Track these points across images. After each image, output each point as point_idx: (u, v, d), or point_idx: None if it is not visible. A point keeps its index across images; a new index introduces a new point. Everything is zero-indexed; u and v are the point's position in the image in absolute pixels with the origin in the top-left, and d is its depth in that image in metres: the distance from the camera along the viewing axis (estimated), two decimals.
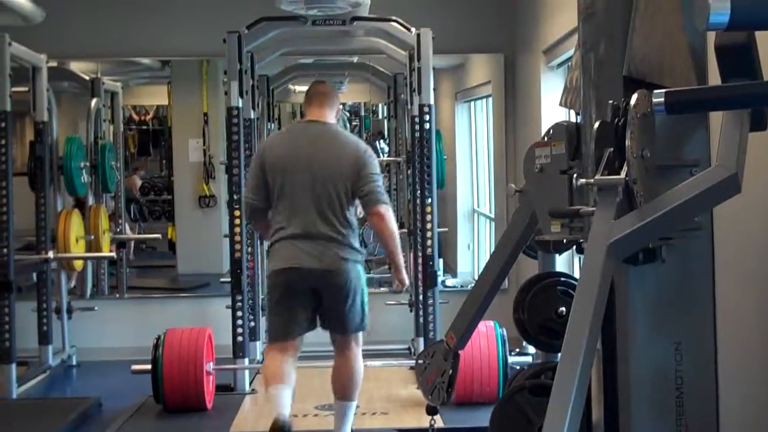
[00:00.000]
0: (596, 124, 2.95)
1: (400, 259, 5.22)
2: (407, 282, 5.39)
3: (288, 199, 5.12)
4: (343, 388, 5.23)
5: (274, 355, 5.10)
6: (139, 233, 10.76)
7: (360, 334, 5.24)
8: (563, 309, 4.68)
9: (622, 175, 2.83)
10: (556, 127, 3.49)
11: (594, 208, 2.91)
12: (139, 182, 12.23)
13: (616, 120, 2.91)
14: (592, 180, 2.85)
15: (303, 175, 5.08)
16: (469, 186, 10.71)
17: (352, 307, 5.11)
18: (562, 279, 4.95)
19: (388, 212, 5.08)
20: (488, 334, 6.08)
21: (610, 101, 2.95)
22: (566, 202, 3.25)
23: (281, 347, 5.11)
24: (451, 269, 10.47)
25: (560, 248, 4.19)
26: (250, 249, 7.23)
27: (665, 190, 2.80)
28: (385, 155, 10.42)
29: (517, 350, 6.50)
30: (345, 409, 5.24)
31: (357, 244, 5.21)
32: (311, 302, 5.11)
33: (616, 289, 3.01)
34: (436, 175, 7.26)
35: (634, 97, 2.83)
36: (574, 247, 3.68)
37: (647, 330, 3.04)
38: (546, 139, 3.49)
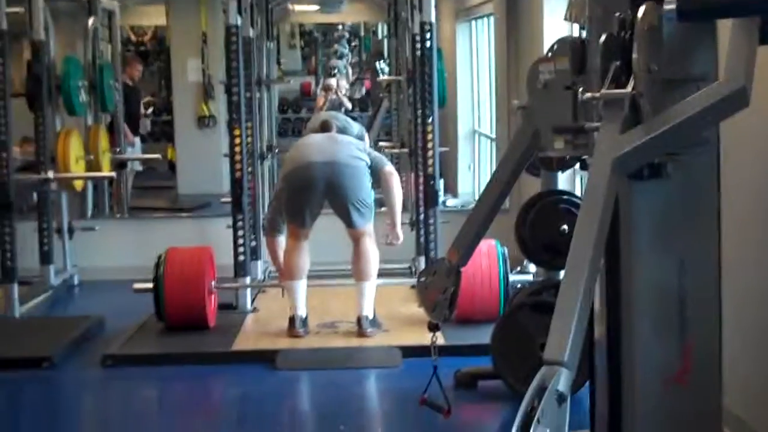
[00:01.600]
0: (603, 38, 2.89)
1: (399, 217, 6.14)
2: (401, 237, 6.21)
3: None
4: (358, 272, 6.03)
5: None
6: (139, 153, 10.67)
7: (369, 225, 6.01)
8: (566, 227, 4.67)
9: (629, 88, 2.78)
10: (561, 42, 3.43)
11: (599, 124, 2.87)
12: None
13: (623, 33, 2.85)
14: (597, 94, 2.80)
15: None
16: (470, 106, 10.65)
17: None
18: (565, 197, 4.94)
19: (395, 175, 6.11)
20: (489, 252, 6.06)
21: (617, 14, 2.89)
22: (570, 118, 3.21)
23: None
24: (451, 189, 10.45)
25: (564, 165, 4.16)
26: (250, 169, 7.18)
27: (672, 104, 2.76)
28: (385, 75, 10.31)
29: (519, 269, 6.50)
30: (362, 288, 6.03)
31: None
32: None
33: (620, 206, 2.98)
34: (437, 93, 7.18)
35: (642, 9, 2.76)
36: (578, 164, 3.65)
37: (651, 247, 3.02)
38: (550, 54, 3.44)
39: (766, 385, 3.95)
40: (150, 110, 12.32)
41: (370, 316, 6.05)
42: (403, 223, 7.84)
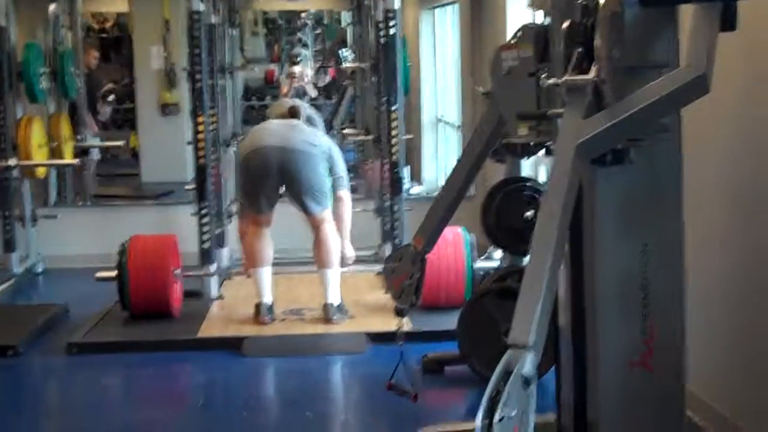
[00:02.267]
0: (565, 24, 2.90)
1: (348, 236, 6.16)
2: (352, 254, 6.22)
3: None
4: (320, 260, 6.03)
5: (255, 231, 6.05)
6: (102, 141, 10.59)
7: (327, 211, 6.00)
8: (530, 213, 4.70)
9: (591, 75, 2.80)
10: (524, 29, 3.44)
11: (562, 110, 2.88)
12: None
13: (586, 20, 2.86)
14: (560, 80, 2.81)
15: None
16: (434, 95, 10.64)
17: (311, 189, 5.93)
18: (529, 183, 4.97)
19: (348, 201, 6.15)
20: (455, 239, 6.08)
21: (579, 0, 2.90)
22: (534, 105, 3.22)
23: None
24: (416, 177, 10.45)
25: (528, 152, 4.17)
26: (214, 156, 7.15)
27: (634, 90, 2.77)
28: (350, 62, 10.29)
29: (485, 256, 6.52)
30: (325, 275, 6.03)
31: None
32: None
33: (584, 192, 3.00)
34: (401, 81, 7.18)
35: None
36: (542, 150, 3.67)
37: (614, 232, 3.03)
38: (513, 41, 3.44)
39: (730, 369, 4.00)
40: (112, 98, 12.21)
41: (336, 303, 6.05)
42: (366, 210, 7.92)
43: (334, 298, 6.05)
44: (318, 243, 6.04)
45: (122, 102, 13.24)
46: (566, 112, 2.86)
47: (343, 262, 6.18)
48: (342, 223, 6.11)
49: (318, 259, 6.06)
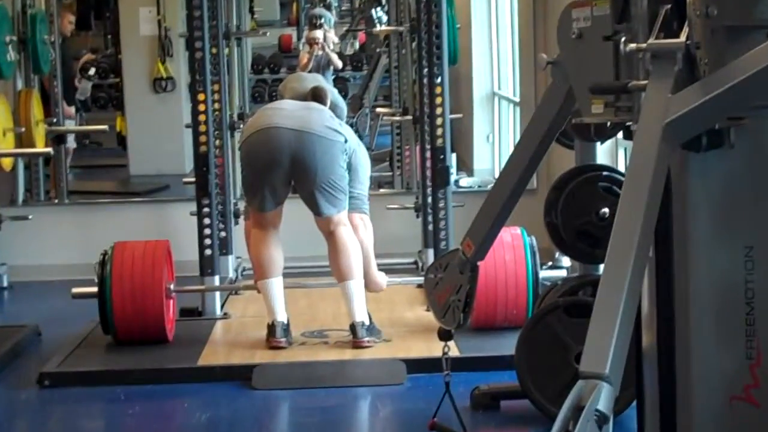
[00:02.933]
0: None
1: (373, 261, 6.19)
2: (383, 282, 6.26)
3: None
4: (338, 271, 6.00)
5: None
6: (81, 125, 10.66)
7: (342, 213, 6.00)
8: (606, 210, 4.68)
9: (682, 38, 2.78)
10: None
11: (646, 82, 2.87)
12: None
13: None
14: (644, 45, 2.81)
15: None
16: (488, 63, 10.63)
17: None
18: (605, 173, 4.95)
19: (368, 226, 6.16)
20: (514, 243, 6.06)
21: None
22: (611, 75, 3.20)
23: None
24: (466, 166, 10.44)
25: (603, 134, 4.17)
26: (218, 142, 7.17)
27: (735, 56, 2.76)
28: (384, 25, 10.30)
29: (550, 263, 6.51)
30: (346, 289, 6.00)
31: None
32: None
33: (673, 183, 2.98)
34: (448, 48, 7.16)
35: None
36: (621, 132, 3.64)
37: (711, 232, 3.01)
38: None
39: None
40: (92, 72, 12.30)
41: (366, 322, 6.04)
42: (404, 208, 7.91)
43: (361, 316, 6.03)
44: (334, 252, 6.00)
45: (105, 77, 13.34)
46: (650, 85, 2.84)
47: (371, 289, 6.19)
48: (364, 251, 6.07)
49: (336, 269, 6.03)
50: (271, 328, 6.04)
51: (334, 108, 6.20)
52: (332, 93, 6.37)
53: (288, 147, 5.86)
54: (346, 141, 5.95)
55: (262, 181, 5.93)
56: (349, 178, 5.97)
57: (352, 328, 6.01)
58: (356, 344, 6.00)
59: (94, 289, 6.10)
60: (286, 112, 6.01)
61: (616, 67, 3.21)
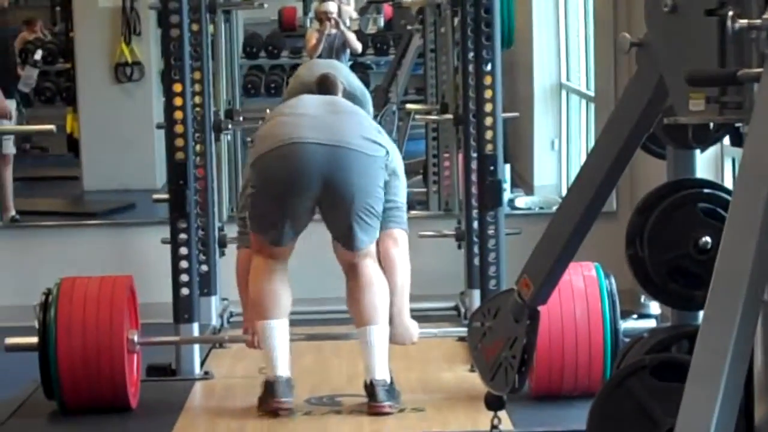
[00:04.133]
0: None
1: (406, 304, 6.20)
2: (414, 333, 6.25)
3: None
4: (360, 312, 6.08)
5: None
6: (20, 123, 10.69)
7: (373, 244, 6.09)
8: (708, 239, 4.66)
9: None
10: None
11: (761, 70, 2.87)
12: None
13: None
14: (758, 21, 2.81)
15: None
16: (554, 48, 10.65)
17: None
18: (706, 191, 4.93)
19: (405, 243, 6.21)
20: (586, 283, 6.06)
21: None
22: (715, 61, 3.20)
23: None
24: (524, 181, 10.44)
25: (704, 139, 4.15)
26: (199, 148, 7.20)
27: None
28: None
29: (635, 315, 6.50)
30: (367, 336, 6.05)
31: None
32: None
33: None
34: (501, 26, 7.16)
35: None
36: (727, 136, 3.64)
37: None
38: None
39: None
40: (38, 55, 12.35)
41: (388, 381, 6.06)
42: (442, 235, 7.90)
43: (382, 373, 6.04)
44: (356, 287, 6.08)
45: (52, 61, 13.40)
46: (766, 73, 2.84)
47: (398, 340, 6.19)
48: (396, 280, 6.13)
49: (356, 311, 6.09)
50: (270, 386, 6.02)
51: (353, 100, 6.25)
52: (348, 80, 6.41)
53: (318, 168, 5.93)
54: (387, 153, 6.03)
55: (282, 212, 5.99)
56: (386, 183, 6.05)
57: (370, 388, 6.02)
58: (373, 410, 6.01)
59: (34, 340, 6.11)
60: (309, 119, 6.06)
61: (722, 50, 3.22)
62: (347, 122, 6.04)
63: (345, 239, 6.04)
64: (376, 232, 6.06)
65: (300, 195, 5.95)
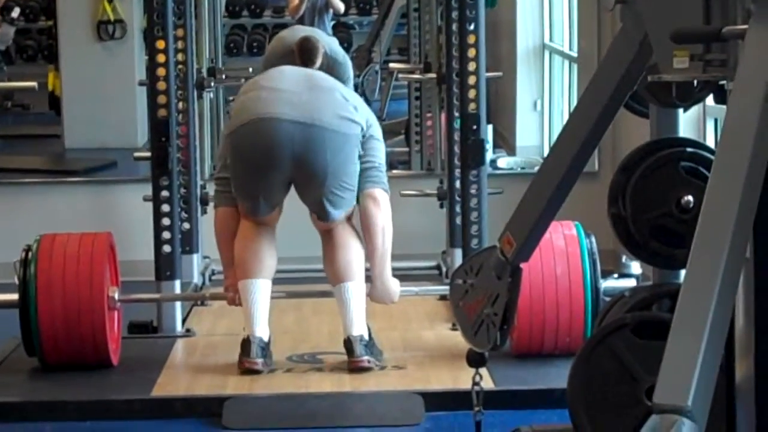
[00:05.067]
0: None
1: (388, 263, 6.20)
2: (394, 291, 6.26)
3: None
4: (334, 270, 6.17)
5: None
6: (1, 81, 10.68)
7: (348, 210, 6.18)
8: (690, 198, 4.66)
9: None
10: None
11: (746, 26, 2.87)
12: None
13: None
14: None
15: None
16: (537, 9, 10.64)
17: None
18: (689, 150, 4.92)
19: (386, 202, 6.19)
20: (567, 241, 6.07)
21: None
22: (699, 18, 3.20)
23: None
24: (506, 141, 10.44)
25: (688, 97, 4.14)
26: (181, 105, 7.18)
27: None
28: None
29: (615, 275, 6.51)
30: (342, 293, 6.12)
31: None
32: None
33: None
34: None
35: None
36: (711, 94, 3.64)
37: None
38: None
39: None
40: (16, 12, 12.31)
41: (366, 337, 6.08)
42: (425, 195, 7.91)
43: (359, 329, 6.07)
44: (330, 248, 6.18)
45: (34, 19, 13.36)
46: (752, 30, 2.85)
47: (379, 299, 6.24)
48: (376, 240, 6.14)
49: (331, 270, 6.18)
50: (246, 344, 6.07)
51: (334, 66, 6.25)
52: (330, 46, 6.41)
53: (290, 145, 5.98)
54: (362, 129, 6.05)
55: (255, 184, 6.08)
56: (365, 150, 6.08)
57: (347, 343, 6.06)
58: (352, 365, 6.05)
59: (14, 297, 6.11)
60: (286, 94, 6.07)
61: (707, 6, 3.22)
62: (324, 99, 6.05)
63: (318, 212, 6.12)
64: (350, 202, 6.13)
65: (272, 171, 6.01)
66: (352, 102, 6.12)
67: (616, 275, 6.38)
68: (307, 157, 5.95)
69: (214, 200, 6.36)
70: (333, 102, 6.03)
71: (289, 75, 6.16)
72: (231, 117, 6.26)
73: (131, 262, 6.72)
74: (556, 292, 6.05)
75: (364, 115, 6.11)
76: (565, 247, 6.11)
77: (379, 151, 6.17)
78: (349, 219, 6.18)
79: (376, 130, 6.17)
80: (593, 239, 6.14)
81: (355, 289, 6.09)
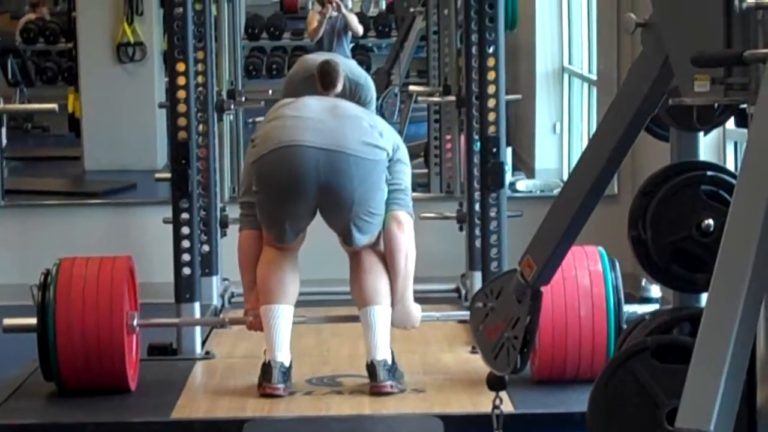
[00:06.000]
0: None
1: (410, 289, 6.21)
2: (415, 317, 6.26)
3: None
4: (361, 293, 6.15)
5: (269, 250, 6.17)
6: (21, 103, 10.69)
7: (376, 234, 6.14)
8: (711, 222, 4.65)
9: None
10: None
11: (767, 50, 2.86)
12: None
13: None
14: (765, 1, 2.80)
15: None
16: (557, 31, 10.63)
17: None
18: (710, 173, 4.92)
19: (409, 225, 6.20)
20: (589, 266, 6.04)
21: None
22: (720, 41, 3.19)
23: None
24: (525, 164, 10.43)
25: (709, 120, 4.14)
26: (202, 127, 7.19)
27: None
28: None
29: (639, 295, 6.50)
30: (368, 317, 6.10)
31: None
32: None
33: None
34: (504, 8, 7.14)
35: None
36: (732, 118, 3.63)
37: None
38: None
39: None
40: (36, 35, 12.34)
41: (389, 362, 6.07)
42: (444, 217, 7.90)
43: (384, 353, 6.06)
44: (358, 270, 6.16)
45: (54, 41, 13.39)
46: None
47: (400, 324, 6.21)
48: (398, 263, 6.13)
49: (358, 292, 6.15)
50: (267, 369, 6.06)
51: (356, 89, 6.26)
52: (351, 69, 6.43)
53: (315, 172, 5.96)
54: (389, 154, 6.04)
55: (281, 213, 6.06)
56: (391, 174, 6.07)
57: (371, 368, 6.05)
58: (375, 390, 6.03)
59: (33, 321, 6.10)
60: (311, 122, 6.06)
61: (728, 30, 3.21)
62: (349, 126, 6.03)
63: (344, 237, 6.11)
64: (377, 227, 6.10)
65: (298, 199, 5.99)
66: (378, 128, 6.09)
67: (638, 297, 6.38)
68: (333, 184, 5.94)
69: (239, 223, 6.35)
70: (358, 129, 6.01)
71: (314, 105, 6.16)
72: (255, 145, 6.17)
73: (151, 284, 6.72)
74: (577, 309, 6.02)
75: (390, 139, 6.09)
76: (590, 286, 6.04)
77: (406, 174, 6.16)
78: (377, 242, 6.13)
79: (403, 154, 6.15)
80: (618, 270, 6.08)
81: (381, 314, 6.07)
